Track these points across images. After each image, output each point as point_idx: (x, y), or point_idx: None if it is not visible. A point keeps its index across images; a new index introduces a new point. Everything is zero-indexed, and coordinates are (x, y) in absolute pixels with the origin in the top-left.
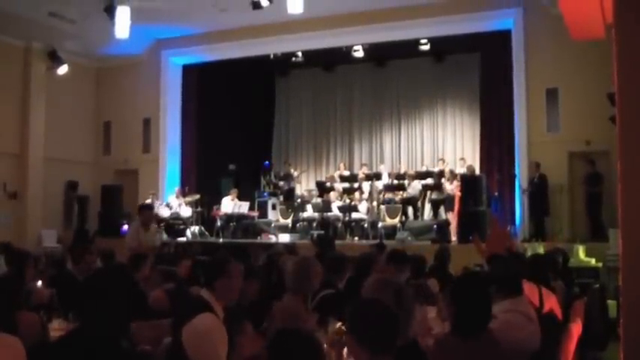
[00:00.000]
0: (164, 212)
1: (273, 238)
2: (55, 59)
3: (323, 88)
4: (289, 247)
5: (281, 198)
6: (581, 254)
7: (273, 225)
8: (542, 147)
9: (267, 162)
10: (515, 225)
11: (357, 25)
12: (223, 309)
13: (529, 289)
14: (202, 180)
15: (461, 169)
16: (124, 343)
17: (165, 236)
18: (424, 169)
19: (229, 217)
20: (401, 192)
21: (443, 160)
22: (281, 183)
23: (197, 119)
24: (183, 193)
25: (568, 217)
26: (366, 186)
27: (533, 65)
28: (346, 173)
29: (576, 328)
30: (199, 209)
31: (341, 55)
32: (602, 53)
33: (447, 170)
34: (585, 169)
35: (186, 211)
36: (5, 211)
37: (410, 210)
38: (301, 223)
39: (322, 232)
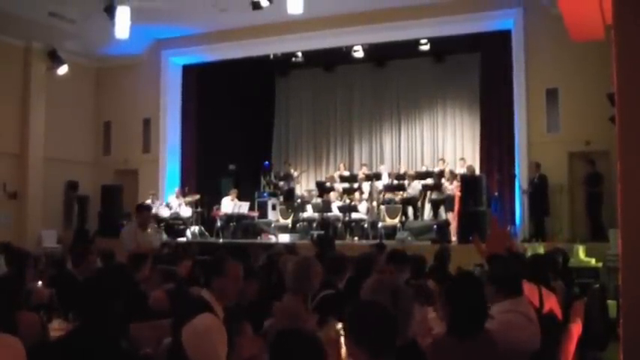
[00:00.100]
0: (164, 212)
1: (273, 239)
2: (55, 59)
3: (323, 89)
4: (289, 248)
5: (281, 198)
6: (581, 254)
7: (273, 225)
8: (542, 147)
9: (267, 162)
10: (515, 225)
11: (357, 25)
12: (223, 309)
13: (529, 289)
14: (202, 180)
15: (461, 170)
16: (124, 343)
17: (165, 236)
18: (424, 169)
19: (229, 218)
20: (401, 192)
21: (443, 160)
22: (281, 183)
23: (197, 119)
24: (183, 194)
25: (568, 217)
26: (366, 186)
27: (533, 65)
28: (346, 173)
29: (576, 329)
30: (199, 209)
31: (341, 55)
32: (601, 54)
33: (447, 170)
34: (585, 169)
35: (186, 212)
36: (5, 211)
37: (410, 210)
38: (301, 223)
39: (322, 232)
